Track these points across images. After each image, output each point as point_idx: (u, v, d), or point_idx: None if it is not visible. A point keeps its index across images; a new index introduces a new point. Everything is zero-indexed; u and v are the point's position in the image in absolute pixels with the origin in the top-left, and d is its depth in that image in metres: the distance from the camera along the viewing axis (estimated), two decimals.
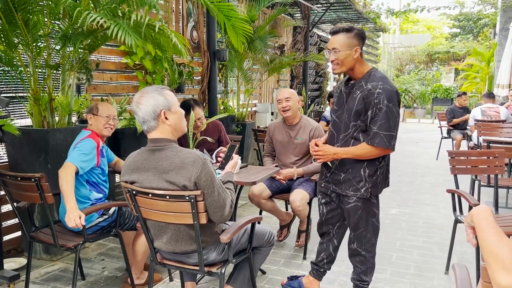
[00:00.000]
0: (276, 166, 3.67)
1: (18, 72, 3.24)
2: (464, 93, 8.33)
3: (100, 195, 2.87)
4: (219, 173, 2.63)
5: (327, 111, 6.52)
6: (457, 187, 3.40)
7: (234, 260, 2.28)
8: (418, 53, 20.51)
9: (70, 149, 2.78)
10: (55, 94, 3.35)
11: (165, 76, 4.86)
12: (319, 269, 2.86)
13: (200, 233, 2.06)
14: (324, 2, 8.75)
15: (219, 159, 3.38)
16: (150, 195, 2.03)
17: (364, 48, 2.54)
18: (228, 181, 2.24)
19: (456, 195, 3.24)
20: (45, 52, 3.24)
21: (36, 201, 2.52)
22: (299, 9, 8.66)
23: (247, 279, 2.48)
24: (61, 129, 3.27)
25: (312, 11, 8.95)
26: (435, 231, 4.21)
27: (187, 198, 1.98)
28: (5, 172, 2.63)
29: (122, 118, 4.13)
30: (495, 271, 1.09)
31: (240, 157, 2.55)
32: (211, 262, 2.21)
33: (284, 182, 3.63)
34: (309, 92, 9.71)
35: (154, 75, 4.61)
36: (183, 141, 3.48)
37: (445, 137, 8.31)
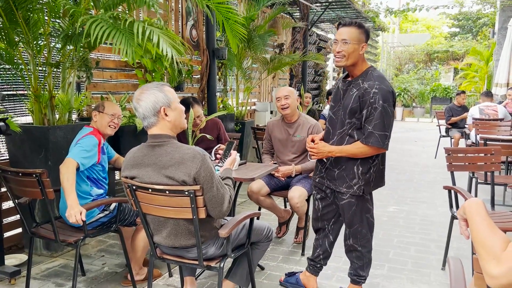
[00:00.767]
0: (275, 163, 3.70)
1: (18, 70, 3.27)
2: (463, 92, 8.37)
3: (101, 191, 2.90)
4: (217, 170, 2.65)
5: (326, 109, 6.52)
6: (454, 184, 3.44)
7: (232, 255, 2.30)
8: (417, 52, 20.51)
9: (72, 145, 2.80)
10: (56, 92, 3.38)
11: (164, 75, 4.88)
12: (316, 264, 2.88)
13: (199, 228, 2.09)
14: (323, 1, 8.78)
15: (217, 156, 3.41)
16: (150, 190, 2.06)
17: None
18: (226, 177, 2.27)
19: (453, 191, 3.27)
20: (46, 50, 3.26)
21: (37, 196, 2.55)
22: (298, 8, 8.68)
23: (246, 274, 2.51)
24: (61, 127, 3.30)
25: (311, 10, 8.97)
26: (432, 228, 4.24)
27: (186, 193, 2.01)
28: (6, 168, 2.67)
29: (122, 116, 4.15)
30: (487, 262, 1.11)
31: (238, 154, 2.57)
32: (210, 257, 2.24)
33: (283, 179, 3.66)
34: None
35: (153, 74, 4.64)
36: (182, 139, 3.51)
37: (444, 136, 8.34)
